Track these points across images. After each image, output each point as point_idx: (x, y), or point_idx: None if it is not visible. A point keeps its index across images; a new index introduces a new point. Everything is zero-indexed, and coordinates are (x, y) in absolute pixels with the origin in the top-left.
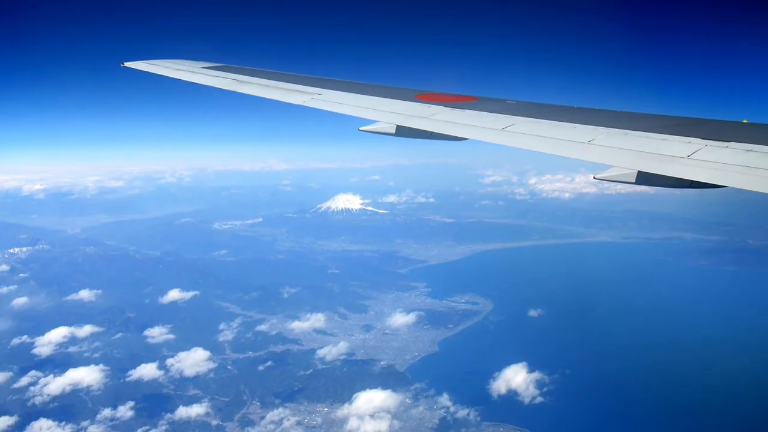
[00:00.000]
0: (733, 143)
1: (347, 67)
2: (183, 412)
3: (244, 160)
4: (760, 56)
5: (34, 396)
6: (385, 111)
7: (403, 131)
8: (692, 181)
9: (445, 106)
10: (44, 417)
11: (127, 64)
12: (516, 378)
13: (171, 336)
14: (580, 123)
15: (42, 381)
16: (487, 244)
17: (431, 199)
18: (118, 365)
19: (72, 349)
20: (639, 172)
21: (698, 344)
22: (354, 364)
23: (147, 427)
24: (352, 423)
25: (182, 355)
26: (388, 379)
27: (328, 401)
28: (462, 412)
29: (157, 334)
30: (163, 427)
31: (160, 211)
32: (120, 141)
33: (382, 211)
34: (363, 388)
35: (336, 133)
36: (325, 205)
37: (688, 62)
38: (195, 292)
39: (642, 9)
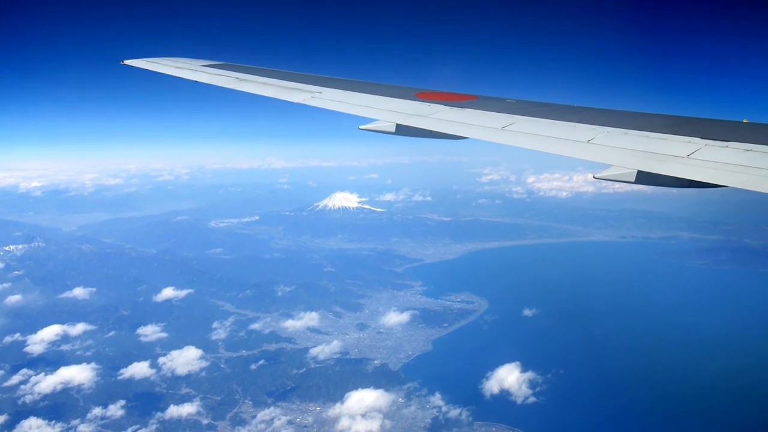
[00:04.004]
0: (733, 143)
1: (348, 66)
2: (174, 411)
3: (243, 158)
4: (760, 56)
5: (24, 394)
6: (385, 110)
7: (402, 130)
8: (692, 180)
9: (445, 105)
10: (34, 416)
11: (127, 61)
12: (509, 378)
13: (164, 334)
14: (580, 122)
15: (33, 379)
16: (484, 242)
17: (428, 198)
18: (110, 364)
19: (64, 347)
20: (638, 171)
21: (695, 344)
22: (347, 363)
23: (137, 426)
24: (344, 423)
25: (175, 353)
26: (381, 378)
27: (320, 400)
28: (454, 412)
29: (150, 332)
30: (154, 426)
31: (157, 209)
32: (118, 139)
33: (379, 210)
34: (356, 388)
35: (336, 131)
36: (322, 204)
37: (688, 62)
38: (189, 290)
39: (642, 8)
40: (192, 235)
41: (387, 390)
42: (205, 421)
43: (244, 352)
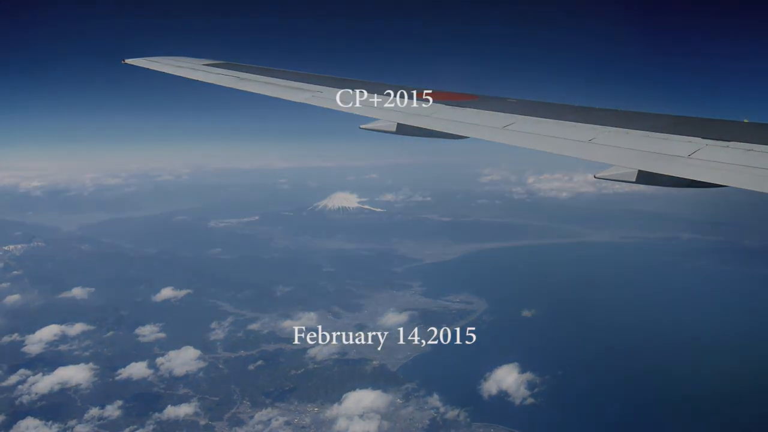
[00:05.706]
0: (734, 143)
1: (349, 65)
2: (171, 411)
3: (244, 158)
4: (761, 55)
5: (22, 395)
6: (385, 109)
7: (403, 129)
8: (692, 180)
9: (446, 104)
10: (31, 416)
11: (128, 60)
12: (507, 379)
13: (162, 335)
14: (581, 122)
15: (30, 380)
16: (484, 243)
17: (428, 198)
18: (107, 364)
19: (62, 347)
20: (639, 171)
21: (694, 345)
22: (346, 364)
23: (134, 427)
24: (342, 423)
25: (173, 353)
26: (379, 378)
27: (318, 401)
28: (452, 413)
29: (148, 332)
30: (151, 427)
31: (157, 209)
32: (119, 138)
33: (378, 210)
34: (354, 388)
35: (336, 131)
36: (322, 204)
37: (688, 61)
38: (188, 291)
39: (643, 8)
40: (192, 235)
41: (385, 391)
42: (202, 422)
43: (242, 353)
